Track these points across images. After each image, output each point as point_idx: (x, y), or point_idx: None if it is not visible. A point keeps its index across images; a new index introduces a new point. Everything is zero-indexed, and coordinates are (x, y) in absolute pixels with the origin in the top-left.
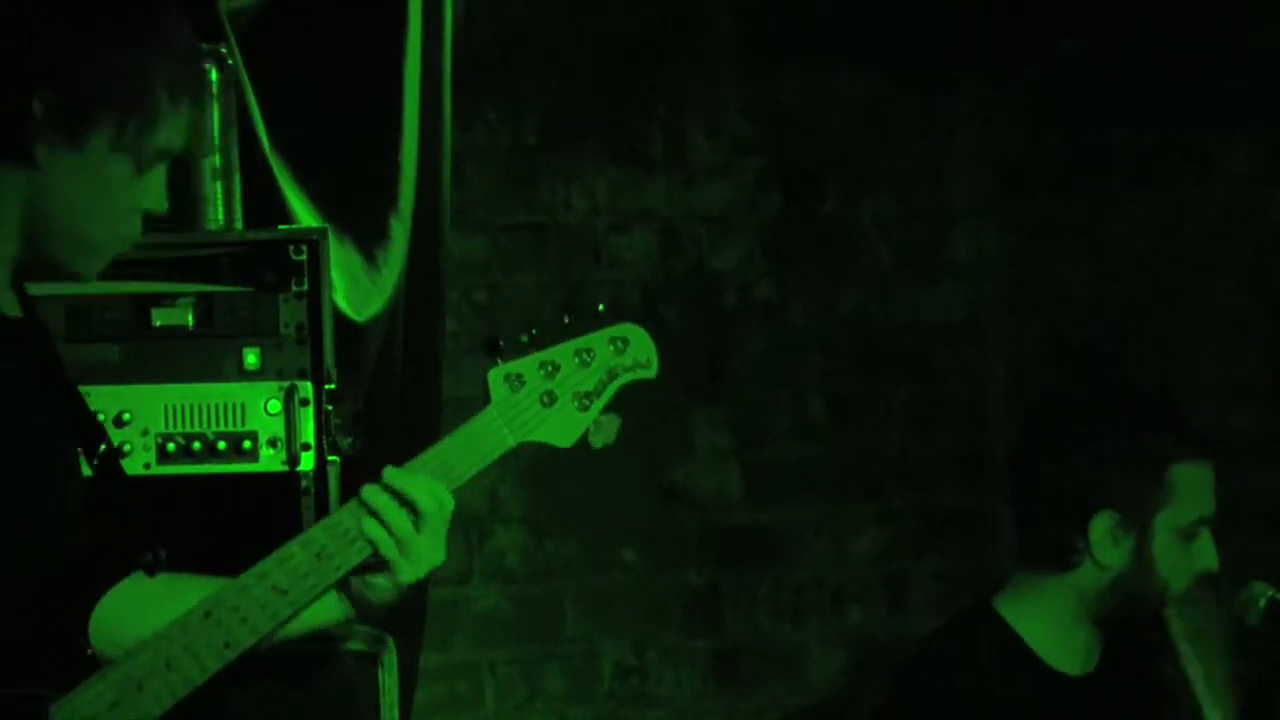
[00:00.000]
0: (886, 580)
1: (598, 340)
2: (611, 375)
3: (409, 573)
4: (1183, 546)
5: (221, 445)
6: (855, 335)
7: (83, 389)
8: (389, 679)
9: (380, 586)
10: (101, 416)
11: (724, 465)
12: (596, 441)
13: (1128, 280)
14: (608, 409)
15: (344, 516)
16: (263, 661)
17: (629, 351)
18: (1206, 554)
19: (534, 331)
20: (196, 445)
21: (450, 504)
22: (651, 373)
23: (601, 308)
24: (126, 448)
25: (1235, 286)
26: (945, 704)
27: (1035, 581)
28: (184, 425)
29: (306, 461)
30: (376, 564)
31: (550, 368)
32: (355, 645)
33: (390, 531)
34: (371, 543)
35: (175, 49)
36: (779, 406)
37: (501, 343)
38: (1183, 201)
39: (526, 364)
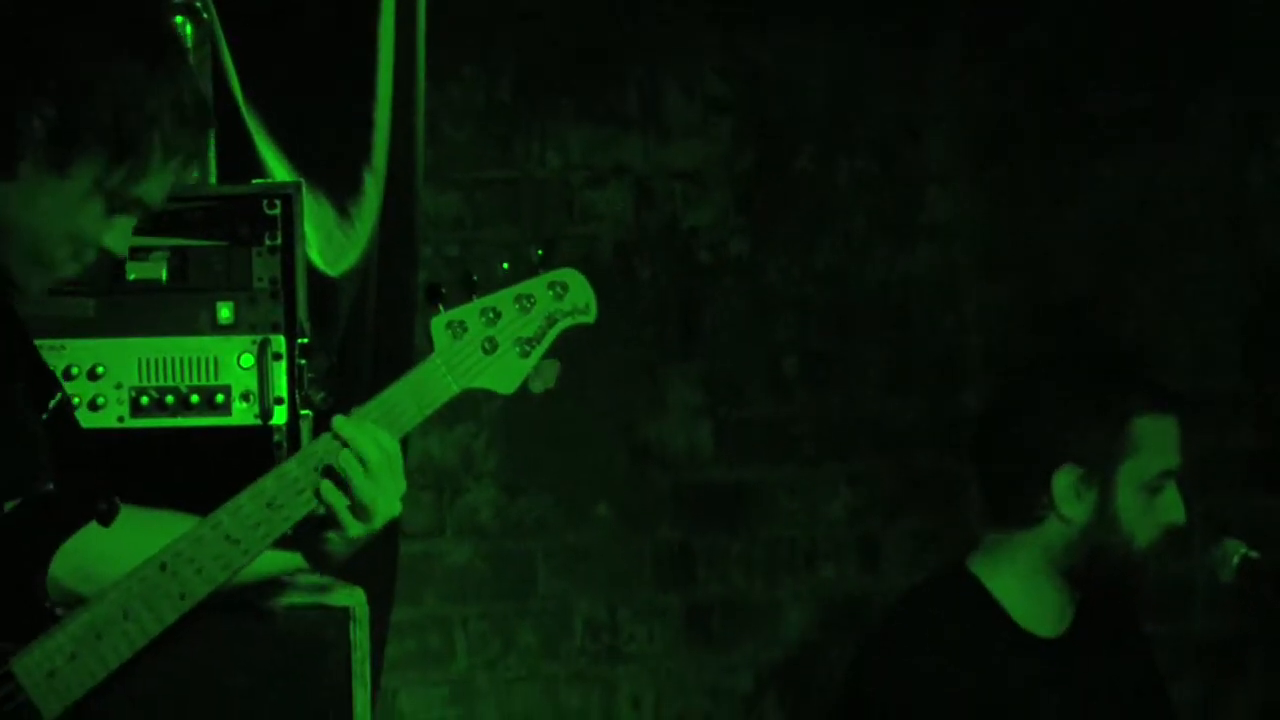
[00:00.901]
0: (859, 539)
1: (537, 286)
2: (551, 321)
3: (356, 526)
4: (1147, 500)
5: (195, 399)
6: (830, 294)
7: (57, 342)
8: (360, 633)
9: (332, 539)
10: (75, 370)
11: (697, 423)
12: (536, 387)
13: (1104, 242)
14: (548, 354)
15: (292, 466)
16: (233, 616)
17: (568, 296)
18: (1173, 507)
19: (475, 278)
20: (170, 399)
21: (396, 450)
22: (590, 317)
23: (540, 253)
24: (100, 401)
25: (1211, 249)
26: (918, 662)
27: (1004, 540)
28: (157, 379)
29: (279, 415)
30: (328, 514)
31: (492, 314)
32: (327, 599)
33: (339, 482)
34: (319, 494)
35: (183, 108)
36: (753, 365)
37: (444, 290)
38: (1160, 165)
39: (468, 311)
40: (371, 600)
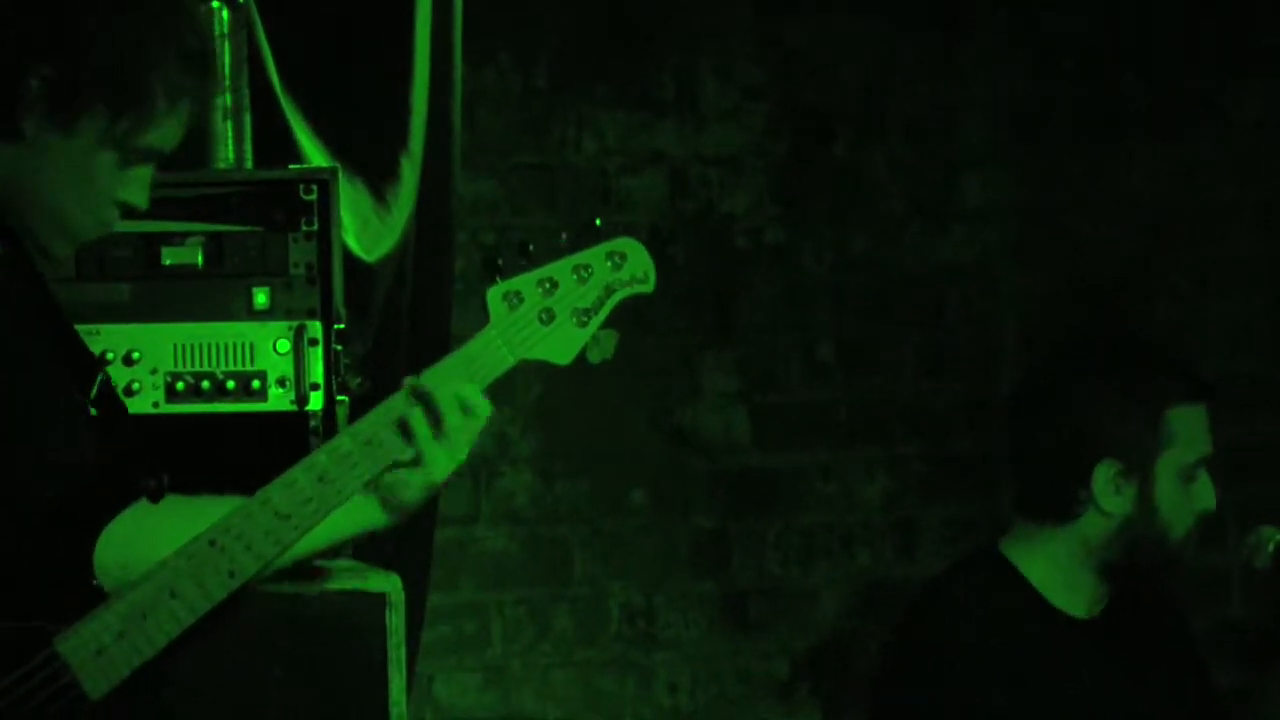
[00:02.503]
0: (895, 525)
1: (595, 256)
2: (609, 291)
3: (443, 469)
4: (1184, 489)
5: (230, 384)
6: (865, 280)
7: (93, 327)
8: (396, 619)
9: (413, 484)
10: (111, 355)
11: (732, 409)
12: (594, 357)
13: (1138, 227)
14: (606, 324)
15: (345, 441)
16: (269, 602)
17: (626, 266)
18: (1204, 494)
19: (531, 248)
20: (205, 384)
21: (482, 405)
22: (649, 287)
23: (599, 222)
24: (136, 386)
25: (1246, 233)
26: (952, 642)
27: (1038, 532)
28: (193, 364)
29: (315, 401)
30: (414, 457)
31: (549, 285)
32: (362, 585)
33: (441, 421)
34: (412, 434)
35: (182, 50)
36: (788, 351)
37: (500, 260)
38: (1195, 148)
39: (525, 281)
40: (407, 586)
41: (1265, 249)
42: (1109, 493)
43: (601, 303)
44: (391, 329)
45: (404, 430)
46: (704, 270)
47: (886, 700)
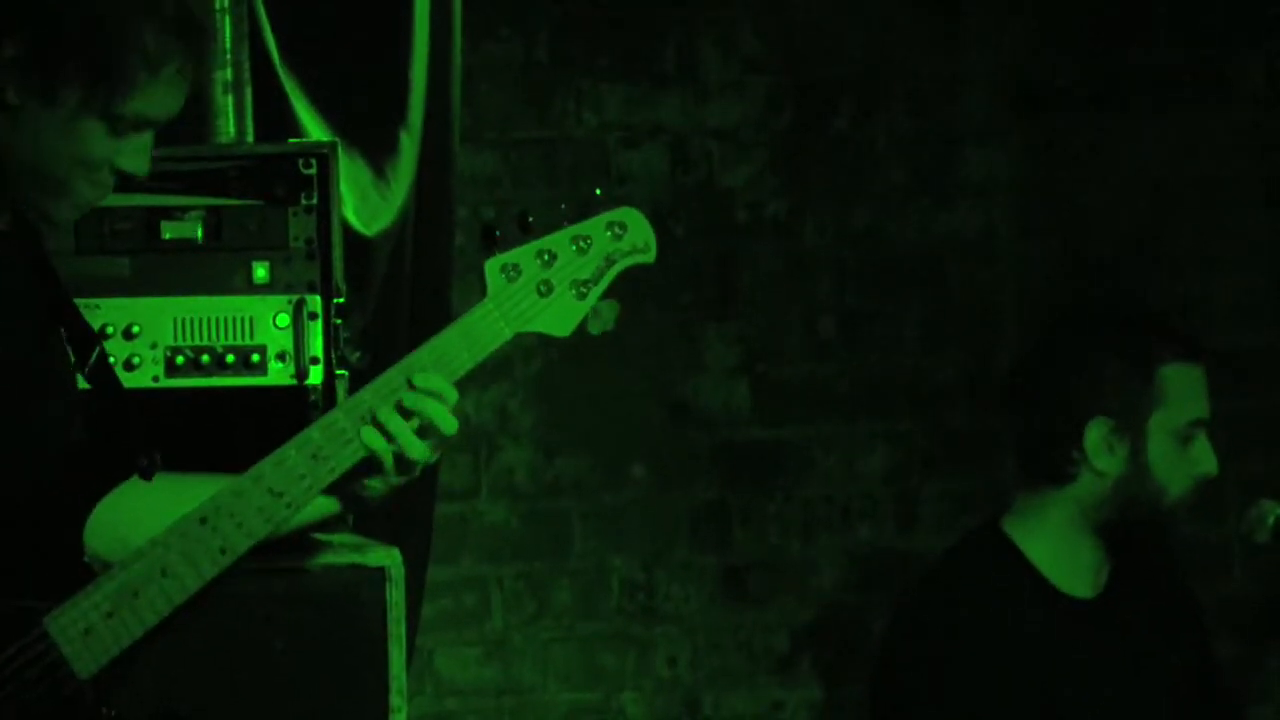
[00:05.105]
0: (896, 498)
1: (595, 226)
2: (609, 261)
3: (400, 476)
4: (1179, 450)
5: (230, 359)
6: (867, 254)
7: (92, 301)
8: (396, 593)
9: (372, 485)
10: (110, 329)
11: (734, 382)
12: (595, 328)
13: (1141, 200)
14: (606, 295)
15: (339, 416)
16: (269, 577)
17: (627, 236)
18: (1204, 458)
19: (531, 220)
20: (205, 358)
21: (454, 397)
22: (650, 257)
23: (599, 192)
24: (135, 360)
25: (1249, 207)
26: (953, 627)
27: (1037, 500)
28: (193, 338)
29: (315, 375)
30: (374, 462)
31: (547, 256)
32: (362, 559)
33: (387, 435)
34: (369, 448)
35: (161, 17)
36: (790, 324)
37: (499, 232)
38: (1196, 122)
39: (523, 253)
40: (407, 560)
41: (1269, 223)
42: (1102, 451)
43: (602, 274)
44: (391, 303)
45: (401, 410)
46: (705, 243)
47: (888, 684)
